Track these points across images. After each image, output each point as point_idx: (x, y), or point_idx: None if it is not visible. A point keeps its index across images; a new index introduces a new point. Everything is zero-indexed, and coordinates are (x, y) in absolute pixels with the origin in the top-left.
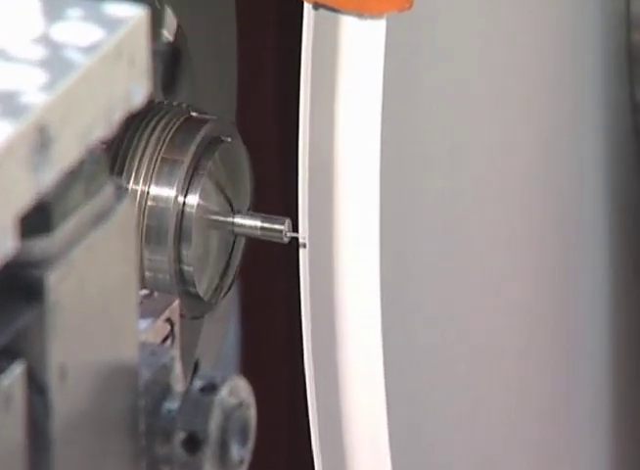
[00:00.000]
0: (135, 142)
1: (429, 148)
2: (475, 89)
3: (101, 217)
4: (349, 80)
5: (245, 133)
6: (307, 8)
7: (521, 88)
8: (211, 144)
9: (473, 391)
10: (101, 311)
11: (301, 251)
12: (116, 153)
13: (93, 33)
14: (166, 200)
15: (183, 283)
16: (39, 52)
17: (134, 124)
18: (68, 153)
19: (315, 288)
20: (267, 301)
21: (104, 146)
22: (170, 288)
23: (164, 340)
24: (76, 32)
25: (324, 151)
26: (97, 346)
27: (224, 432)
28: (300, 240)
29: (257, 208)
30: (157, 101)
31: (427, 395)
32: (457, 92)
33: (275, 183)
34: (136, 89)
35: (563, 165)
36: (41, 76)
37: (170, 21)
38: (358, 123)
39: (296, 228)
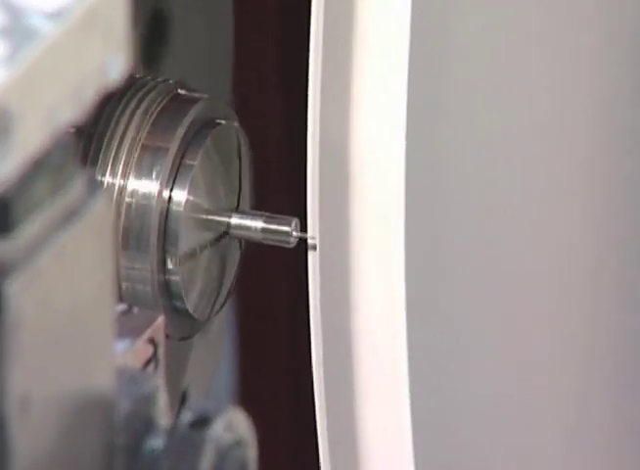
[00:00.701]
0: (112, 126)
1: (463, 139)
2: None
3: (71, 217)
4: (369, 53)
5: (243, 117)
6: None
7: (574, 83)
8: (203, 128)
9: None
10: (71, 330)
11: (311, 254)
12: (89, 139)
13: None
14: (148, 196)
15: (168, 296)
16: None
17: (110, 105)
18: (31, 138)
19: (327, 298)
20: (269, 316)
21: (74, 131)
22: (153, 302)
23: (146, 364)
24: None
25: (338, 135)
26: (66, 371)
27: None
28: (310, 241)
29: (259, 206)
30: (137, 76)
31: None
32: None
33: (279, 176)
34: (112, 63)
35: (615, 168)
36: None
37: None
38: (380, 103)
39: (303, 229)
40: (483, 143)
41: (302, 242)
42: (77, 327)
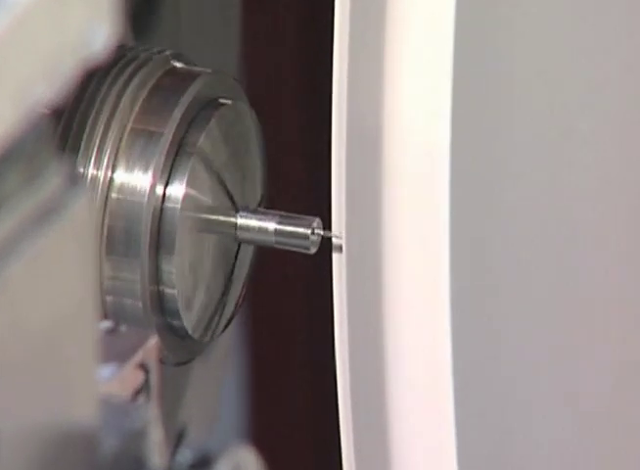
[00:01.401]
0: (96, 106)
1: (517, 131)
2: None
3: (45, 217)
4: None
5: (253, 97)
6: None
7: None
8: (205, 109)
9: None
10: (46, 354)
11: (336, 256)
12: (69, 123)
13: None
14: (139, 191)
15: (163, 313)
16: None
17: (94, 82)
18: None
19: (356, 311)
20: (284, 334)
21: (50, 112)
22: (144, 320)
23: (136, 394)
24: None
25: (369, 115)
26: (40, 402)
27: None
28: (335, 241)
29: (272, 204)
30: (127, 47)
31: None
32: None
33: (297, 166)
34: (96, 31)
35: None
36: None
37: None
38: (422, 78)
39: (326, 230)
40: (540, 139)
41: (325, 244)
42: (53, 350)
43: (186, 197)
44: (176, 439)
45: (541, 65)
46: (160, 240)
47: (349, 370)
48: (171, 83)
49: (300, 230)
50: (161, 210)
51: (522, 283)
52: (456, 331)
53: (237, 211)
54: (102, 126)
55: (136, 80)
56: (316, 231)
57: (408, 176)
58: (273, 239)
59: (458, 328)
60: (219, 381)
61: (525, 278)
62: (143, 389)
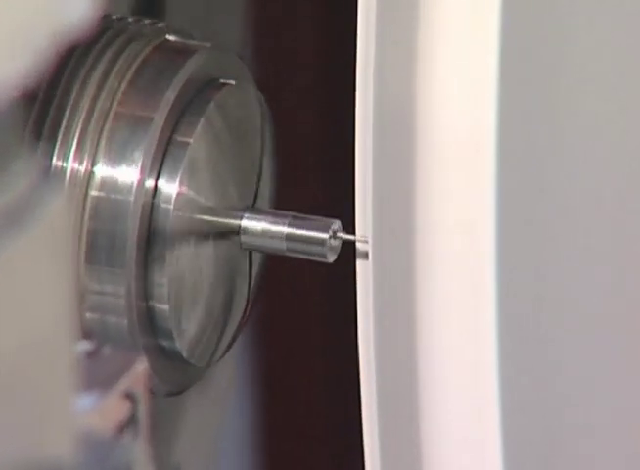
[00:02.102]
0: (75, 89)
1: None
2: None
3: (16, 219)
4: None
5: (261, 77)
6: None
7: None
8: (203, 90)
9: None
10: (13, 380)
11: (360, 265)
12: (45, 108)
13: None
14: (125, 187)
15: (152, 333)
16: None
17: (74, 59)
18: None
19: (384, 324)
20: (297, 356)
21: (21, 96)
22: (131, 340)
23: (122, 428)
24: None
25: (400, 99)
26: (9, 437)
27: None
28: (359, 245)
29: (283, 204)
30: (114, 18)
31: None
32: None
33: (312, 158)
34: (74, 2)
35: None
36: None
37: None
38: (463, 62)
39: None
40: (589, 143)
41: (346, 250)
42: (22, 377)
43: (180, 195)
44: None
45: (594, 59)
46: (149, 246)
47: (377, 404)
48: (163, 60)
49: (317, 234)
50: (151, 210)
51: (571, 288)
52: (503, 371)
53: (242, 211)
54: (82, 112)
55: (124, 57)
56: (338, 234)
57: (449, 167)
58: (284, 245)
59: (505, 369)
60: (220, 414)
61: (577, 283)
62: (129, 422)
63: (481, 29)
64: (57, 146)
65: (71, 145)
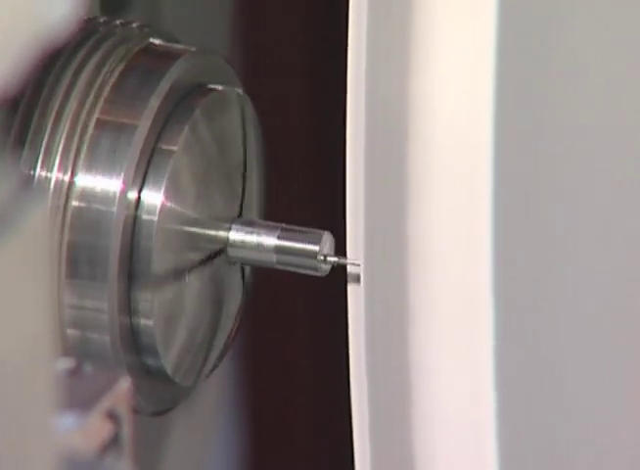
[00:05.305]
0: (57, 95)
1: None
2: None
3: None
4: None
5: (249, 83)
6: None
7: None
8: (188, 96)
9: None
10: None
11: (352, 289)
12: (25, 116)
13: None
14: (107, 197)
15: (136, 350)
16: None
17: (54, 64)
18: None
19: (377, 352)
20: (286, 375)
21: (3, 102)
22: (113, 358)
23: (104, 448)
24: None
25: (392, 105)
26: None
27: None
28: (350, 269)
29: (272, 216)
30: (98, 21)
31: None
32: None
33: (302, 168)
34: (55, 2)
35: None
36: None
37: None
38: (458, 65)
39: (339, 251)
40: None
41: (338, 269)
42: (1, 393)
43: (164, 206)
44: None
45: (592, 54)
46: (132, 259)
47: (369, 425)
48: (147, 63)
49: (307, 247)
50: (134, 221)
51: (571, 295)
52: (501, 396)
53: (229, 223)
54: (63, 118)
55: (109, 63)
56: (328, 258)
57: (445, 182)
58: (274, 258)
59: (502, 393)
60: (206, 435)
61: (575, 293)
62: (112, 442)
63: (478, 29)
64: (40, 154)
65: (54, 153)
